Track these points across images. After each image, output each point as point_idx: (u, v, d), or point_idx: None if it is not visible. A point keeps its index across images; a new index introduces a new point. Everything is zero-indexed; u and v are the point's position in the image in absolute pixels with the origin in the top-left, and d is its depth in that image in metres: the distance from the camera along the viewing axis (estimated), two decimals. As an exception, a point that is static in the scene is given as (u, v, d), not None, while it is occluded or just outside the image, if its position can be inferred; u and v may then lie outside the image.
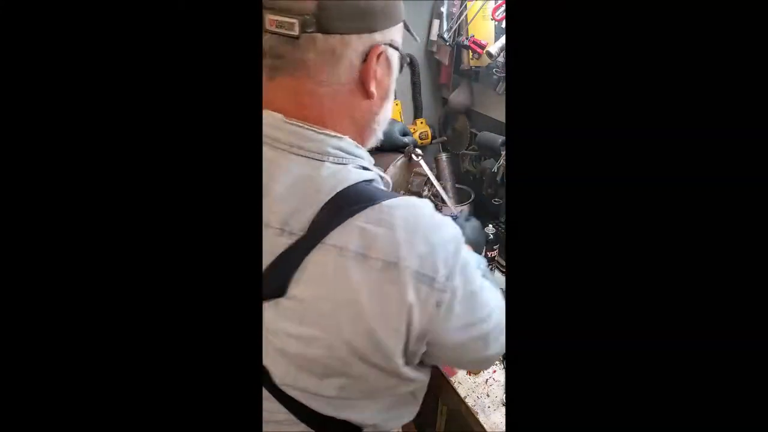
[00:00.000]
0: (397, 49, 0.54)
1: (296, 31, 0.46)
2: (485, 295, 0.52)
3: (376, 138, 0.58)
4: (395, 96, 1.21)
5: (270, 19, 0.46)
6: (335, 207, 0.46)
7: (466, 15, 1.04)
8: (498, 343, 0.54)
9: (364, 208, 0.46)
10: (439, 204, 1.20)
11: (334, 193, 0.46)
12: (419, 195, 1.06)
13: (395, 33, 0.53)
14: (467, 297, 0.48)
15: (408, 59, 0.57)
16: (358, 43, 0.48)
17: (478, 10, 1.01)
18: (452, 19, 1.09)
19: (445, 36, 1.07)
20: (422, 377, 0.54)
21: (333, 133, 0.50)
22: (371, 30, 0.49)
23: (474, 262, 0.52)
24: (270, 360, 0.49)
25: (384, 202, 0.46)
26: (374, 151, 0.92)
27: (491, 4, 1.00)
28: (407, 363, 0.49)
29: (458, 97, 1.19)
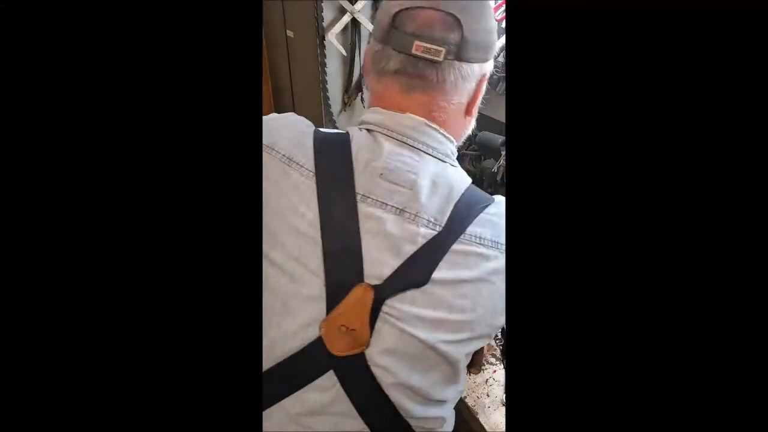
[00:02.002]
0: (486, 79, 0.61)
1: (441, 57, 0.52)
2: None
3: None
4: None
5: (417, 45, 0.52)
6: (467, 203, 0.53)
7: (466, 15, 1.03)
8: None
9: (489, 204, 0.54)
10: None
11: (463, 190, 0.54)
12: None
13: (491, 64, 0.61)
14: None
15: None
16: (478, 71, 0.57)
17: (478, 10, 1.01)
18: (452, 19, 1.08)
19: (445, 36, 1.06)
20: None
21: (452, 139, 0.58)
22: (486, 60, 0.57)
23: None
24: (387, 356, 0.50)
25: (495, 199, 0.56)
26: None
27: (491, 4, 1.00)
28: None
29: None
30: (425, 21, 0.52)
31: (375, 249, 0.50)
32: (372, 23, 1.08)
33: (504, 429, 0.75)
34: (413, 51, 0.52)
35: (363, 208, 0.51)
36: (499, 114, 1.10)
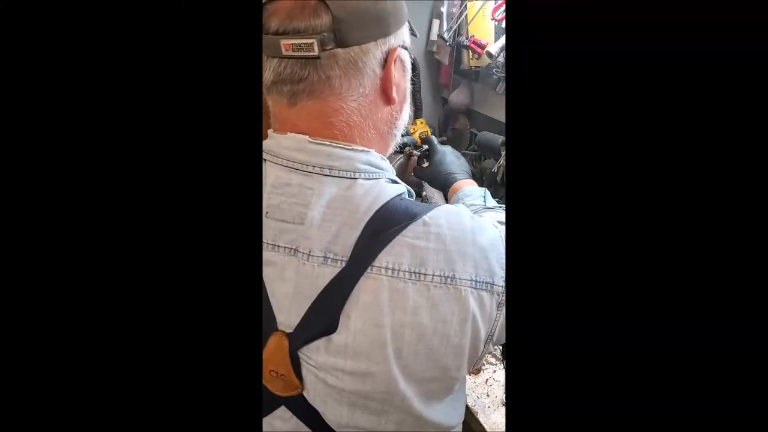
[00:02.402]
0: (407, 49, 0.52)
1: (316, 51, 0.43)
2: None
3: (395, 145, 0.56)
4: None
5: (285, 44, 0.43)
6: (378, 226, 0.44)
7: (466, 15, 1.04)
8: None
9: (409, 224, 0.44)
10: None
11: (373, 211, 0.44)
12: (419, 194, 1.06)
13: (404, 33, 0.51)
14: None
15: (414, 57, 0.58)
16: (376, 50, 0.47)
17: (478, 10, 1.01)
18: (452, 19, 1.09)
19: (445, 36, 1.07)
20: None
21: (360, 148, 0.48)
22: (386, 34, 0.47)
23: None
24: (321, 402, 0.46)
25: (426, 215, 0.45)
26: None
27: (491, 4, 1.00)
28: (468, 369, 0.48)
29: (458, 97, 1.19)
30: (286, 14, 0.44)
31: (279, 296, 0.45)
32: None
33: (504, 429, 0.75)
34: (284, 52, 0.44)
35: (265, 255, 0.46)
36: (499, 114, 1.11)
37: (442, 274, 0.43)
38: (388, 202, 0.45)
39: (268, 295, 0.46)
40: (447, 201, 0.82)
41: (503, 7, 0.98)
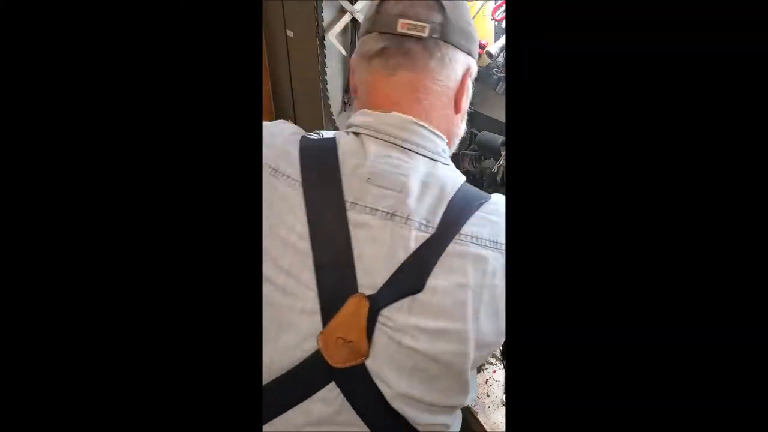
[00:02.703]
0: (472, 74, 0.61)
1: (426, 33, 0.54)
2: None
3: (451, 153, 0.62)
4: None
5: (402, 23, 0.54)
6: (461, 202, 0.51)
7: (466, 15, 1.04)
8: None
9: (484, 202, 0.52)
10: None
11: (455, 190, 0.52)
12: None
13: (475, 65, 0.61)
14: None
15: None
16: (462, 60, 0.57)
17: (478, 10, 1.01)
18: (452, 19, 1.08)
19: (445, 36, 1.06)
20: None
21: (442, 136, 0.56)
22: (470, 53, 0.58)
23: None
24: (386, 367, 0.48)
25: (492, 197, 0.53)
26: None
27: (491, 4, 1.00)
28: None
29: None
30: (409, 3, 0.55)
31: (368, 257, 0.48)
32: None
33: (504, 429, 0.75)
34: (398, 29, 0.54)
35: (353, 216, 0.49)
36: (499, 114, 1.11)
37: (505, 245, 0.50)
38: (463, 184, 0.54)
39: (349, 258, 0.48)
40: None
41: (503, 7, 0.98)
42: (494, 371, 0.86)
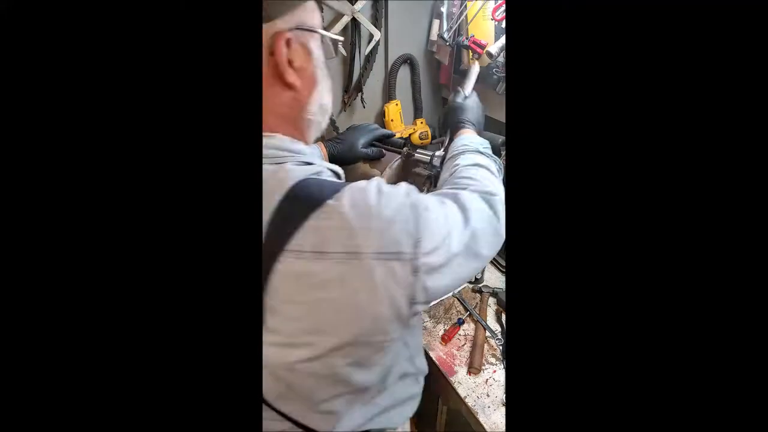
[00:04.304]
0: (313, 31, 0.52)
1: None
2: (455, 217, 0.51)
3: (317, 129, 0.56)
4: (395, 96, 1.21)
5: None
6: (286, 212, 0.45)
7: (466, 15, 1.04)
8: (486, 241, 0.53)
9: (315, 208, 0.45)
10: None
11: (281, 196, 0.45)
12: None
13: (303, 15, 0.51)
14: (449, 242, 0.49)
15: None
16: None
17: (478, 10, 1.01)
18: (452, 19, 1.09)
19: (445, 36, 1.06)
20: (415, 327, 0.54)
21: (268, 133, 0.49)
22: (267, 18, 0.48)
23: (433, 197, 0.52)
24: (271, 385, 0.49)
25: (331, 198, 0.46)
26: (335, 162, 0.90)
27: (491, 4, 1.00)
28: (402, 326, 0.49)
29: (458, 96, 1.19)
30: None
31: None
32: (372, 23, 1.08)
33: (504, 429, 0.75)
34: None
35: None
36: (499, 114, 1.11)
37: (346, 251, 0.44)
38: (294, 185, 0.46)
39: None
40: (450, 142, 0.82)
41: (503, 7, 0.98)
42: (494, 371, 0.86)
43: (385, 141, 0.97)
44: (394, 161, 0.95)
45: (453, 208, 0.53)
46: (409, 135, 1.20)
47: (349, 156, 0.92)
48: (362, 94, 1.17)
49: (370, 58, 1.14)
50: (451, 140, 0.82)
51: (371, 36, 1.09)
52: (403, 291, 0.46)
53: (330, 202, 0.45)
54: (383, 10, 1.11)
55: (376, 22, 1.10)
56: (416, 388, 0.66)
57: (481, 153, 0.72)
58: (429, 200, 0.51)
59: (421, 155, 0.94)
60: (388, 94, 1.22)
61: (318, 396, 0.50)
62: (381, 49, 1.16)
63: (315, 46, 0.53)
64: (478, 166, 0.67)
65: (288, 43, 0.49)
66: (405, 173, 0.98)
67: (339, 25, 1.05)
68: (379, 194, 0.48)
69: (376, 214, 0.46)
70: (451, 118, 0.86)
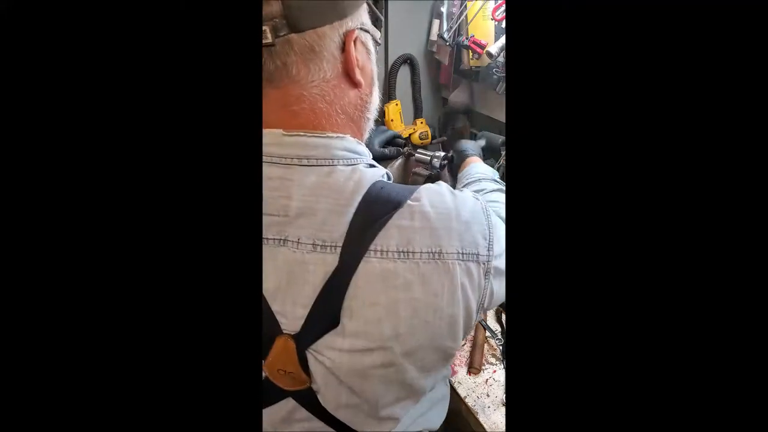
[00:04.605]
0: (368, 31, 0.53)
1: (270, 38, 0.44)
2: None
3: (369, 128, 0.57)
4: (395, 96, 1.22)
5: None
6: (367, 214, 0.45)
7: (466, 15, 1.04)
8: None
9: (396, 210, 0.45)
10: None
11: (359, 197, 0.45)
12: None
13: (363, 15, 0.52)
14: (501, 255, 0.50)
15: (379, 39, 0.59)
16: (333, 33, 0.47)
17: (478, 10, 1.01)
18: (452, 19, 1.09)
19: (445, 36, 1.07)
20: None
21: (335, 135, 0.49)
22: (341, 17, 0.48)
23: (496, 210, 0.54)
24: (325, 388, 0.48)
25: (410, 199, 0.46)
26: None
27: (491, 4, 1.00)
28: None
29: (458, 97, 1.19)
30: None
31: (275, 289, 0.46)
32: (372, 23, 1.08)
33: (504, 429, 0.75)
34: None
35: (265, 250, 0.46)
36: (499, 114, 1.11)
37: (429, 251, 0.45)
38: (371, 187, 0.46)
39: (264, 299, 0.46)
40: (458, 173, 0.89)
41: (503, 7, 0.98)
42: (494, 371, 0.86)
43: (392, 142, 0.98)
44: (395, 161, 0.95)
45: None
46: (409, 135, 1.20)
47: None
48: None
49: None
50: (458, 167, 0.89)
51: (376, 17, 1.09)
52: (475, 294, 0.48)
53: (410, 202, 0.46)
54: (383, 10, 1.11)
55: (376, 22, 1.10)
56: (446, 388, 0.66)
57: (497, 182, 0.80)
58: (490, 207, 0.53)
59: (421, 155, 0.95)
60: (388, 94, 1.22)
61: (383, 401, 0.50)
62: (381, 49, 1.16)
63: (371, 45, 0.54)
64: (500, 192, 0.74)
65: (355, 42, 0.49)
66: (406, 173, 0.99)
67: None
68: (454, 196, 0.49)
69: (456, 216, 0.47)
70: (457, 153, 0.95)
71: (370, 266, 0.44)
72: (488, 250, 0.48)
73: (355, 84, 0.51)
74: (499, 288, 0.50)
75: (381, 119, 1.23)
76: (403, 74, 1.23)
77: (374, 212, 0.45)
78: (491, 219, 0.50)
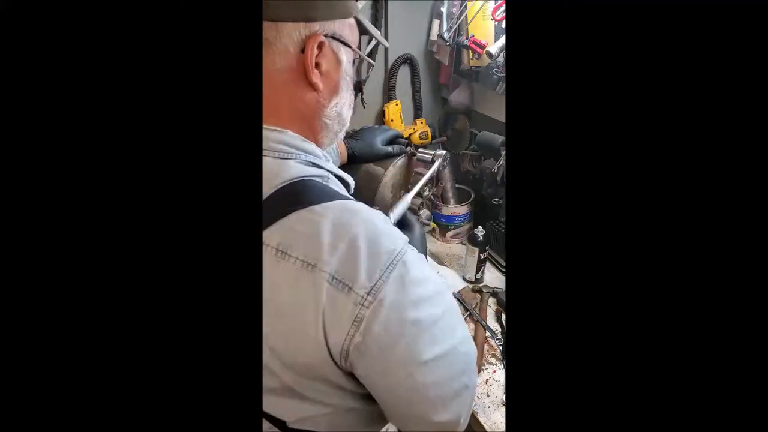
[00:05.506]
0: (346, 45, 0.53)
1: None
2: (435, 334, 0.45)
3: (332, 135, 0.57)
4: (395, 96, 1.22)
5: None
6: (272, 205, 0.45)
7: (466, 15, 1.04)
8: (455, 405, 0.47)
9: (297, 209, 0.44)
10: (438, 203, 1.20)
11: (272, 189, 0.45)
12: (419, 194, 1.06)
13: (342, 27, 0.53)
14: (397, 323, 0.43)
15: (370, 61, 0.60)
16: (293, 31, 0.48)
17: (478, 10, 1.01)
18: (452, 19, 1.09)
19: (445, 36, 1.07)
20: (366, 401, 0.49)
21: (273, 127, 0.50)
22: (308, 19, 0.49)
23: (435, 295, 0.46)
24: None
25: (319, 205, 0.45)
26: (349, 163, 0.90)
27: (491, 4, 1.00)
28: (343, 376, 0.46)
29: (458, 97, 1.19)
30: None
31: None
32: (372, 23, 1.08)
33: (504, 429, 0.75)
34: None
35: None
36: (499, 114, 1.11)
37: (305, 260, 0.43)
38: (291, 182, 0.46)
39: None
40: None
41: (503, 7, 0.98)
42: (494, 371, 0.86)
43: (394, 141, 0.98)
44: (397, 160, 0.95)
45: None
46: (410, 135, 1.20)
47: (370, 153, 0.93)
48: (362, 94, 1.17)
49: (369, 58, 1.14)
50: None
51: (371, 36, 1.09)
52: (336, 332, 0.43)
53: (314, 208, 0.44)
54: (383, 10, 1.11)
55: (376, 22, 1.10)
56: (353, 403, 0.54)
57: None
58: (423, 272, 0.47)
59: (422, 155, 0.95)
60: (388, 94, 1.22)
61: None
62: (381, 49, 1.16)
63: (346, 59, 0.54)
64: None
65: (320, 46, 0.50)
66: (407, 172, 0.99)
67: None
68: (373, 226, 0.45)
69: (351, 241, 0.43)
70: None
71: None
72: (368, 295, 0.42)
73: (311, 85, 0.51)
74: (379, 372, 0.44)
75: (381, 119, 1.23)
76: (403, 74, 1.23)
77: (275, 206, 0.45)
78: (407, 276, 0.44)
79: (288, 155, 0.49)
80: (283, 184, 0.46)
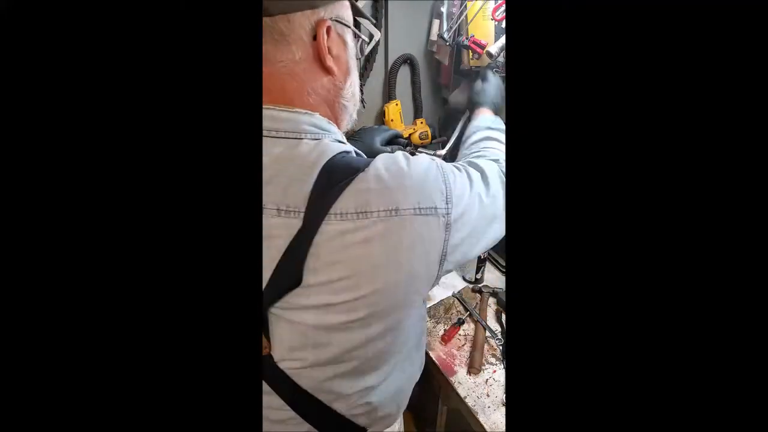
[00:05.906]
0: (347, 26, 0.57)
1: None
2: (477, 182, 0.57)
3: (349, 117, 0.61)
4: (395, 96, 1.22)
5: None
6: (327, 180, 0.48)
7: (466, 15, 1.04)
8: (501, 203, 0.59)
9: (353, 177, 0.48)
10: None
11: (320, 166, 0.49)
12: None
13: (341, 10, 0.56)
14: (469, 206, 0.54)
15: (367, 38, 0.63)
16: (303, 21, 0.51)
17: (478, 10, 1.01)
18: (452, 19, 1.09)
19: (445, 36, 1.07)
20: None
21: (303, 111, 0.53)
22: (312, 7, 0.52)
23: (459, 169, 0.57)
24: (287, 352, 0.51)
25: (366, 167, 0.50)
26: None
27: (491, 4, 1.00)
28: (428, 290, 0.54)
29: (458, 97, 1.19)
30: None
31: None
32: (372, 23, 1.08)
33: (504, 429, 0.75)
34: None
35: None
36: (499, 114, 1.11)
37: (387, 209, 0.48)
38: (333, 157, 0.50)
39: None
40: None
41: (503, 7, 0.98)
42: (494, 371, 0.86)
43: (393, 141, 0.99)
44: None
45: (472, 173, 0.58)
46: (410, 135, 1.20)
47: (370, 154, 0.93)
48: (362, 94, 1.17)
49: (370, 58, 1.14)
50: (470, 119, 0.91)
51: (371, 36, 1.10)
52: (435, 247, 0.50)
53: (367, 168, 0.50)
54: (383, 10, 1.11)
55: (376, 22, 1.10)
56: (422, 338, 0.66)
57: (491, 128, 0.81)
58: (449, 165, 0.56)
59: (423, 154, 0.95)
60: (388, 94, 1.22)
61: (348, 358, 0.52)
62: (381, 49, 1.16)
63: (349, 39, 0.58)
64: (488, 139, 0.77)
65: (328, 31, 0.53)
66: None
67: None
68: (407, 159, 0.52)
69: (408, 174, 0.50)
70: (470, 102, 0.95)
71: (330, 227, 0.47)
72: (446, 203, 0.51)
73: (327, 70, 0.55)
74: (460, 241, 0.53)
75: (381, 119, 1.23)
76: (403, 74, 1.23)
77: (334, 179, 0.48)
78: (449, 176, 0.53)
79: (320, 136, 0.53)
80: (329, 160, 0.50)
